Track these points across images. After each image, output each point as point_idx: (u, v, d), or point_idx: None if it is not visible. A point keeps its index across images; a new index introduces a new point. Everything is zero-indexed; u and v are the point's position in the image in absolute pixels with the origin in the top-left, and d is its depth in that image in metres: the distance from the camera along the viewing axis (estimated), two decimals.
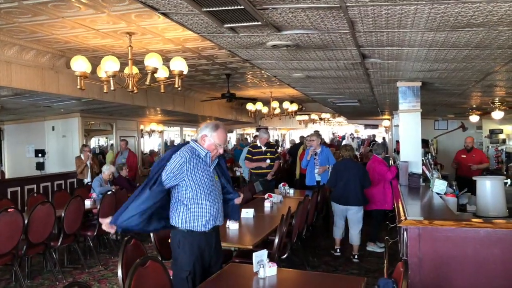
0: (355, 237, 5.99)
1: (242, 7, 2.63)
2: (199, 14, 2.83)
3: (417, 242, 3.08)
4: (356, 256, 5.95)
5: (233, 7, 2.64)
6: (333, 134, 25.97)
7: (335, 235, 6.23)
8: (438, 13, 2.67)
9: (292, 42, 3.61)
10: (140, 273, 2.49)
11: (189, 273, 2.97)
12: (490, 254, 2.95)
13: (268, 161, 7.51)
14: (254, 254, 2.90)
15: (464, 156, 8.18)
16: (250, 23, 2.99)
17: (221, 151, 3.09)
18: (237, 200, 3.34)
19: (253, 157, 7.67)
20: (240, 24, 3.04)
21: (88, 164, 8.48)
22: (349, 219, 6.02)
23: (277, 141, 17.72)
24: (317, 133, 8.04)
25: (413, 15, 2.72)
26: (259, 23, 2.96)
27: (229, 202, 3.32)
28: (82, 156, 8.50)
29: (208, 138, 3.03)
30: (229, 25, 3.08)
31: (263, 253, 2.93)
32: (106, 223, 2.93)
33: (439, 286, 3.04)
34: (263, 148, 7.69)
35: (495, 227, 2.99)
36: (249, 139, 18.92)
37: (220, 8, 2.67)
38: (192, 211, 2.98)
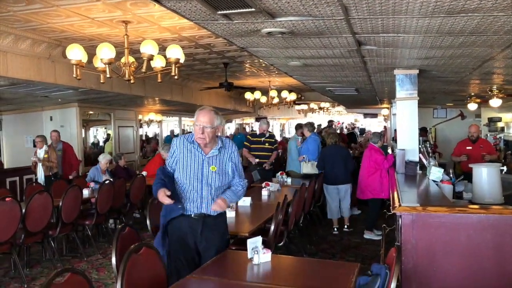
0: (345, 210, 6.86)
1: None
2: (192, 0, 2.81)
3: (410, 228, 3.09)
4: (346, 227, 6.86)
5: None
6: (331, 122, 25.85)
7: (332, 216, 6.90)
8: None
9: (287, 29, 3.59)
10: (134, 260, 2.51)
11: (167, 251, 3.08)
12: (482, 240, 2.97)
13: (256, 160, 7.59)
14: (248, 240, 2.91)
15: (470, 147, 7.08)
16: (244, 10, 2.97)
17: (201, 131, 2.98)
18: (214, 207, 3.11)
19: (251, 145, 7.75)
20: (233, 11, 3.03)
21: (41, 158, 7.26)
22: (340, 195, 6.81)
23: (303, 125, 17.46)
24: (307, 123, 8.20)
25: (407, 0, 2.70)
26: (253, 9, 2.94)
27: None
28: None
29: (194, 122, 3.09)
30: (222, 12, 3.06)
31: (258, 239, 2.94)
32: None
33: (432, 271, 3.07)
34: (262, 138, 7.73)
35: (488, 212, 3.00)
36: (248, 129, 18.90)
37: None
38: (177, 191, 3.09)
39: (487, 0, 2.63)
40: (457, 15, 3.01)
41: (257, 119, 18.34)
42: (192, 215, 3.08)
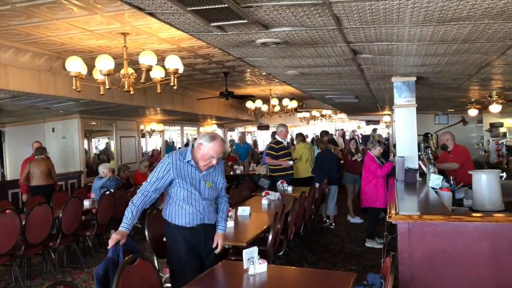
0: (331, 209, 7.59)
1: (226, 5, 2.64)
2: (185, 13, 2.85)
3: (407, 237, 3.08)
4: (333, 224, 7.57)
5: (217, 6, 2.65)
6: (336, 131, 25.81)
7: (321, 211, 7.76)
8: (422, 8, 2.67)
9: (281, 40, 3.62)
10: (129, 271, 2.51)
11: (180, 263, 3.20)
12: (479, 248, 2.95)
13: (291, 162, 7.08)
14: (244, 251, 2.91)
15: (446, 158, 6.20)
16: (236, 21, 3.00)
17: (214, 162, 3.19)
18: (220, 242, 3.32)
19: (278, 154, 7.06)
20: (226, 23, 3.06)
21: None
22: (329, 195, 7.49)
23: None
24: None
25: (397, 10, 2.72)
26: (245, 21, 2.97)
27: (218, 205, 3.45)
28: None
29: (203, 148, 3.16)
30: (216, 24, 3.09)
31: (254, 250, 2.94)
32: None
33: (429, 280, 3.05)
34: (285, 143, 7.13)
35: (484, 220, 2.99)
36: (250, 137, 18.93)
37: (205, 7, 2.69)
38: (176, 208, 3.24)
39: (476, 8, 2.65)
40: (448, 23, 3.03)
41: (260, 127, 18.34)
42: (194, 226, 3.23)
